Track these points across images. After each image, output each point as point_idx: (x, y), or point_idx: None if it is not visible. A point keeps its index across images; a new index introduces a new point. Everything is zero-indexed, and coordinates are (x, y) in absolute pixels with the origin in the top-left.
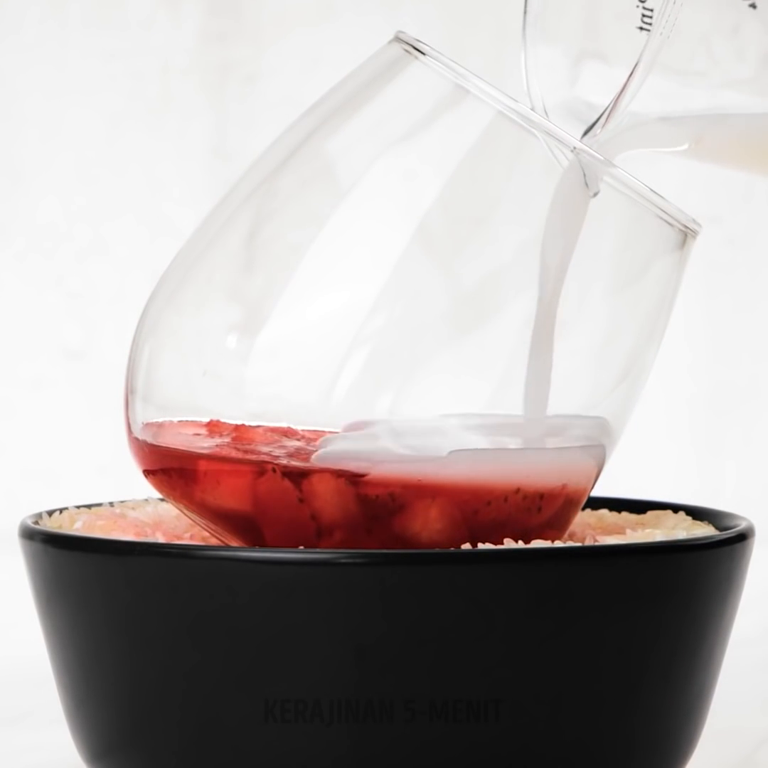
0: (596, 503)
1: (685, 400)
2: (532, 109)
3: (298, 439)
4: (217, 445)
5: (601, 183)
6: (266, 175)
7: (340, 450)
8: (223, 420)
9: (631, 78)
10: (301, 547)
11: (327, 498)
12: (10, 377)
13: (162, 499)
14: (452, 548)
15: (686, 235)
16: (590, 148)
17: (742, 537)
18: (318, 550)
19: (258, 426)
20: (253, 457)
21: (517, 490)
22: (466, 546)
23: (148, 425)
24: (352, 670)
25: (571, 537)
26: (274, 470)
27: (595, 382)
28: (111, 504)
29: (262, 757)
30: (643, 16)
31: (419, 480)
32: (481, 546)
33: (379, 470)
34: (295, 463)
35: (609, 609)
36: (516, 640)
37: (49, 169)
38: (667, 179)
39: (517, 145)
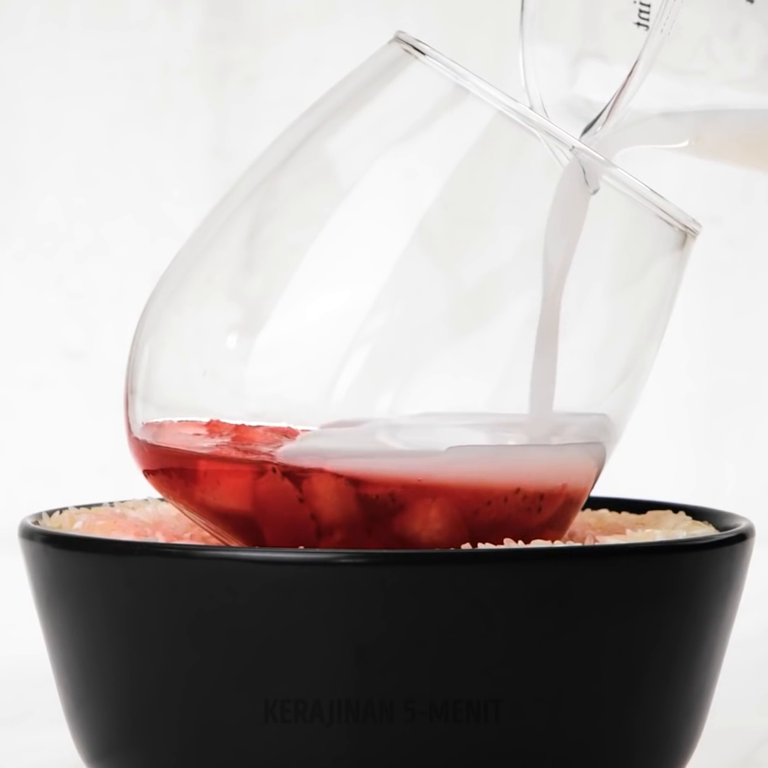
0: (596, 503)
1: (685, 399)
2: (531, 108)
3: None
4: (217, 445)
5: (601, 183)
6: (266, 175)
7: (311, 446)
8: (223, 420)
9: (631, 76)
10: (301, 547)
11: (327, 498)
12: (10, 377)
13: (162, 499)
14: (452, 548)
15: (686, 235)
16: (590, 146)
17: (742, 537)
18: (318, 550)
19: (258, 426)
20: (253, 457)
21: (517, 490)
22: (466, 546)
23: (148, 425)
24: (352, 670)
25: (571, 537)
26: (274, 470)
27: (595, 382)
28: (111, 504)
29: (262, 757)
30: (640, 11)
31: (419, 480)
32: (481, 546)
33: (380, 467)
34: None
35: (609, 609)
36: (516, 640)
37: (49, 169)
38: (667, 179)
39: (517, 144)
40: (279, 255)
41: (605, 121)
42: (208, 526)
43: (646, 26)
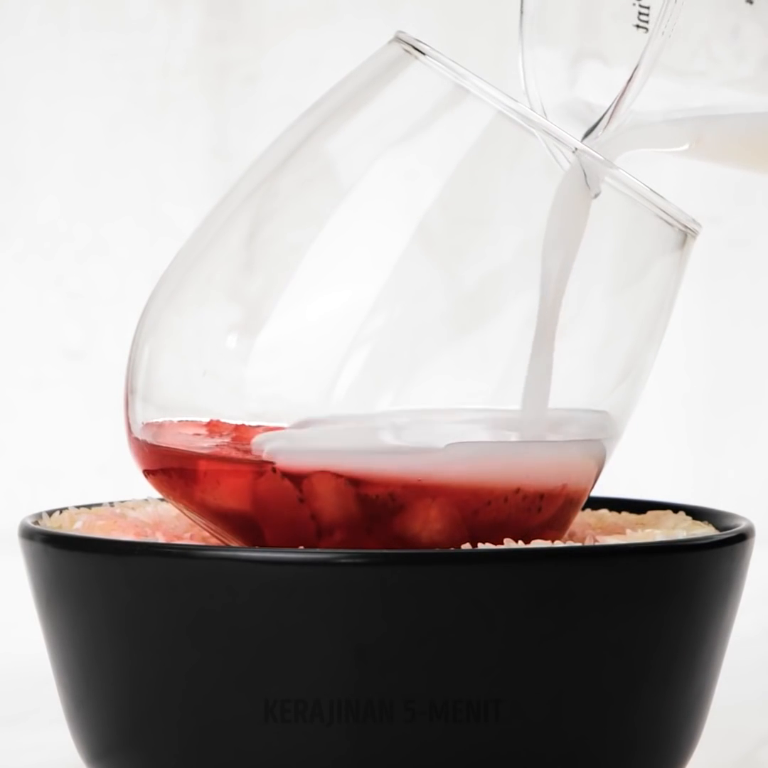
0: (596, 503)
1: (685, 399)
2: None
3: None
4: (217, 445)
5: (602, 183)
6: (266, 175)
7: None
8: (223, 420)
9: (632, 79)
10: (301, 547)
11: (327, 498)
12: (10, 377)
13: (162, 499)
14: (452, 548)
15: (686, 235)
16: (591, 148)
17: (742, 537)
18: (318, 550)
19: (258, 426)
20: (253, 457)
21: (517, 490)
22: (466, 546)
23: (148, 425)
24: (352, 670)
25: (571, 537)
26: (274, 470)
27: (595, 382)
28: (111, 504)
29: (262, 757)
30: (640, 13)
31: (419, 479)
32: (481, 546)
33: (378, 465)
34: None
35: (609, 609)
36: (516, 640)
37: (49, 169)
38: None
39: (517, 145)
40: (279, 255)
41: (606, 125)
42: (208, 526)
43: (646, 28)
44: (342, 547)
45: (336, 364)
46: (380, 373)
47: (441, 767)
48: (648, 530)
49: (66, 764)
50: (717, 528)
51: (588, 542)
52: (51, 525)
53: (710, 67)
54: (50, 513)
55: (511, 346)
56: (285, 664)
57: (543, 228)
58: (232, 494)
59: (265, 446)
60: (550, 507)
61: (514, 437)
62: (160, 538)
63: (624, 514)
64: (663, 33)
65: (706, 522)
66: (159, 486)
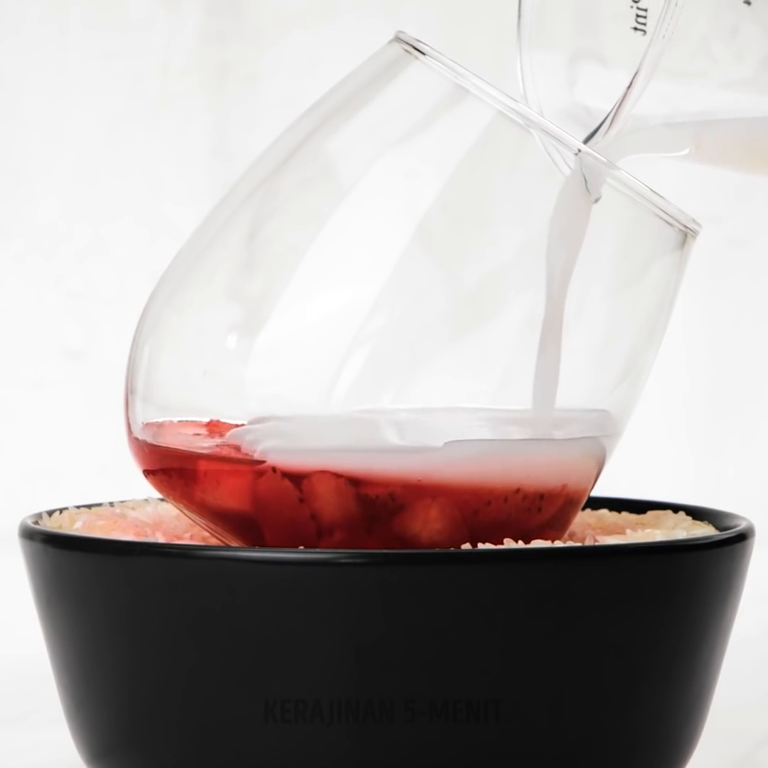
0: (596, 503)
1: (685, 399)
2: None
3: None
4: (217, 445)
5: (602, 186)
6: (266, 175)
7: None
8: (223, 420)
9: (633, 83)
10: (301, 547)
11: (327, 498)
12: (10, 377)
13: (162, 499)
14: (452, 548)
15: (686, 235)
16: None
17: (742, 537)
18: (318, 550)
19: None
20: (246, 456)
21: (517, 490)
22: (466, 546)
23: (148, 425)
24: (352, 670)
25: (571, 537)
26: (274, 470)
27: (595, 382)
28: (111, 504)
29: (262, 757)
30: (637, 16)
31: (419, 479)
32: (481, 546)
33: (377, 464)
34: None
35: (609, 609)
36: (516, 640)
37: (49, 169)
38: (667, 179)
39: (517, 145)
40: (279, 255)
41: (607, 130)
42: (208, 526)
43: (644, 31)
44: (342, 547)
45: (336, 364)
46: (380, 373)
47: (441, 767)
48: (648, 530)
49: (66, 764)
50: (717, 528)
51: (588, 542)
52: (51, 525)
53: (710, 68)
54: (50, 513)
55: (511, 346)
56: (285, 664)
57: (543, 228)
58: (232, 494)
59: (257, 446)
60: (550, 507)
61: (512, 435)
62: (160, 538)
63: (624, 514)
64: (664, 37)
65: (706, 522)
66: (159, 486)
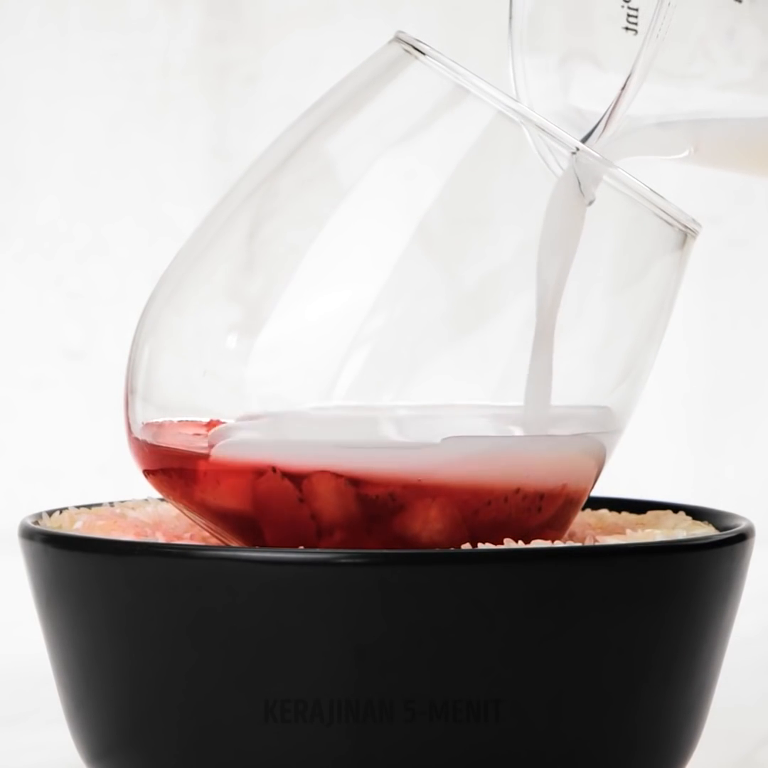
0: (596, 503)
1: (685, 399)
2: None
3: None
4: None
5: (601, 183)
6: (266, 175)
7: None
8: (223, 420)
9: (627, 85)
10: (301, 547)
11: (327, 498)
12: (10, 377)
13: (162, 499)
14: (452, 548)
15: (686, 235)
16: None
17: (742, 537)
18: (318, 550)
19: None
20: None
21: (517, 490)
22: (466, 546)
23: (148, 425)
24: (352, 670)
25: (571, 537)
26: (274, 470)
27: (595, 382)
28: (111, 504)
29: (262, 757)
30: (628, 16)
31: (419, 479)
32: (481, 546)
33: (380, 462)
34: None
35: (609, 609)
36: (516, 640)
37: (49, 169)
38: (667, 179)
39: (517, 144)
40: (279, 255)
41: (602, 132)
42: (208, 526)
43: (635, 31)
44: (342, 547)
45: (336, 364)
46: (380, 373)
47: (441, 767)
48: (648, 530)
49: (66, 764)
50: (717, 528)
51: (588, 542)
52: (51, 525)
53: (708, 69)
54: (50, 513)
55: (511, 346)
56: (285, 664)
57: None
58: (232, 494)
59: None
60: (550, 507)
61: (512, 432)
62: (160, 538)
63: (624, 514)
64: (657, 36)
65: (706, 522)
66: (159, 486)
